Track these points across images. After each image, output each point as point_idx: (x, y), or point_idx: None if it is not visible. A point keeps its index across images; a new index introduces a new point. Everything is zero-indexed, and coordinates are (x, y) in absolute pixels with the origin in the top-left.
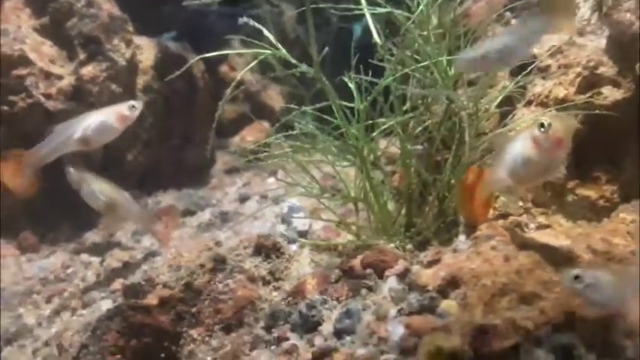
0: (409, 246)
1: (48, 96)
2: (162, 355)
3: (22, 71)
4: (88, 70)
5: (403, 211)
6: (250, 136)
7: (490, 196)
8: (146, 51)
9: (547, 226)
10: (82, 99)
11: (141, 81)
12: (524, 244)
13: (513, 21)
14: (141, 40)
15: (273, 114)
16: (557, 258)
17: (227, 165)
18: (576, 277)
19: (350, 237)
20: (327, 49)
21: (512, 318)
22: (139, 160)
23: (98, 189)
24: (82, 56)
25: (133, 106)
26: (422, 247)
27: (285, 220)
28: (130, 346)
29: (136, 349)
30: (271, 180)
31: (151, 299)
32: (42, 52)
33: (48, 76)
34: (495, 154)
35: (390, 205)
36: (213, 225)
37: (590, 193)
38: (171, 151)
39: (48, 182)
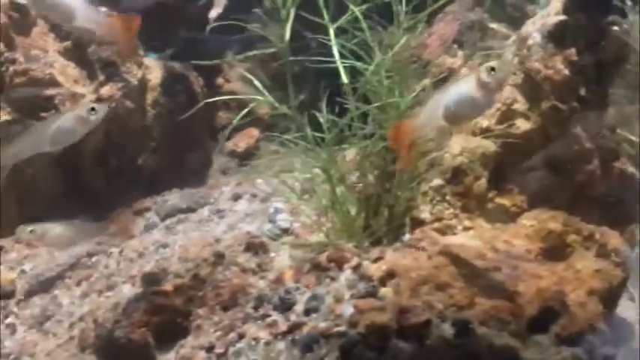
0: (366, 244)
1: None
2: (177, 327)
3: (52, 92)
4: (106, 90)
5: (362, 216)
6: (242, 141)
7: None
8: (154, 71)
9: (470, 229)
10: None
11: (150, 97)
12: (445, 245)
13: (460, 53)
14: (149, 62)
15: (262, 122)
16: (468, 255)
17: (222, 167)
18: None
19: (321, 236)
20: (302, 97)
21: (428, 300)
22: (148, 164)
23: (57, 234)
24: (100, 77)
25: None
26: (376, 245)
27: (271, 219)
28: (153, 322)
29: (157, 324)
30: (260, 181)
31: (168, 286)
32: (67, 73)
33: (73, 94)
34: (425, 102)
35: (353, 211)
36: (212, 221)
37: (505, 201)
38: (176, 156)
39: (69, 180)
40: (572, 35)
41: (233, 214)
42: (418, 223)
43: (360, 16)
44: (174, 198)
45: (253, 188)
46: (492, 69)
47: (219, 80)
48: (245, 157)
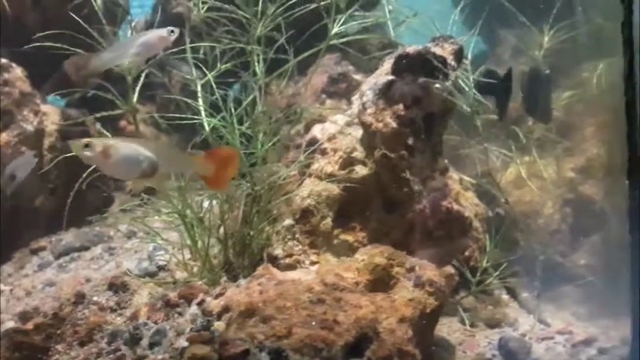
0: (224, 278)
1: None
2: None
3: None
4: (2, 137)
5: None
6: None
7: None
8: (51, 117)
9: (316, 263)
10: None
11: (47, 142)
12: (280, 280)
13: (329, 102)
14: (47, 108)
15: None
16: (298, 289)
17: (122, 204)
18: None
19: (185, 274)
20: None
21: (252, 332)
22: (45, 205)
23: None
24: None
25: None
26: (235, 280)
27: (151, 257)
28: (14, 357)
29: (17, 359)
30: (155, 218)
31: (29, 325)
32: None
33: None
34: None
35: (215, 249)
36: (102, 258)
37: (349, 238)
38: (75, 196)
39: None
40: (400, 92)
41: (124, 252)
42: (273, 259)
43: (211, 77)
44: (69, 237)
45: (147, 226)
46: (87, 145)
47: (123, 123)
48: (144, 195)
